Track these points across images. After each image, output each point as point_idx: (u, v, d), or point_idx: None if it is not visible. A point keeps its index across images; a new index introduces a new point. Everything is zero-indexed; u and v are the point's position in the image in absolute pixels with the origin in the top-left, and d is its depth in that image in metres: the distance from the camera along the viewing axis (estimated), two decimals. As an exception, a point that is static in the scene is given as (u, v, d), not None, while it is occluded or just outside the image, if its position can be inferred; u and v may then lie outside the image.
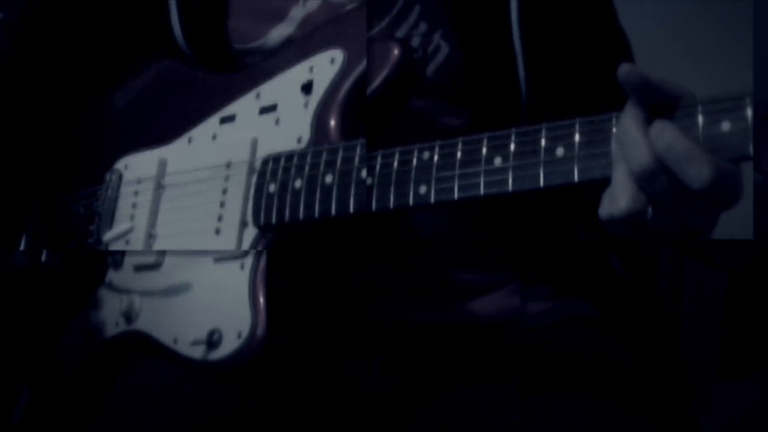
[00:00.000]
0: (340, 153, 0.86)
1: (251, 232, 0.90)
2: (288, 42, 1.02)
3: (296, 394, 1.01)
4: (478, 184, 0.84)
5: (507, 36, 1.05)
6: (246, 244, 0.91)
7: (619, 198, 0.73)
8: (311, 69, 0.92)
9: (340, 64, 0.90)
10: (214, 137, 0.96)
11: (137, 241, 0.97)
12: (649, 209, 0.74)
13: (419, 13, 1.06)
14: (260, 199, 0.89)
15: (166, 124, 1.01)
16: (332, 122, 0.89)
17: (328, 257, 1.03)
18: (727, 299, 1.20)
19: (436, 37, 1.06)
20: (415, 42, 1.06)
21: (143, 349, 1.03)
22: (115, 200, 1.01)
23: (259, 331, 0.91)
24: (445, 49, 1.06)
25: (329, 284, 1.03)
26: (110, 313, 1.06)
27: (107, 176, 1.03)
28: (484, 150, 0.84)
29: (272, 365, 0.96)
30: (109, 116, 1.09)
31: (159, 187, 0.98)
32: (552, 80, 1.05)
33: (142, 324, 1.02)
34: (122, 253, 1.07)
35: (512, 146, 0.82)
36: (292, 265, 0.98)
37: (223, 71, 1.02)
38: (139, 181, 1.00)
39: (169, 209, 0.97)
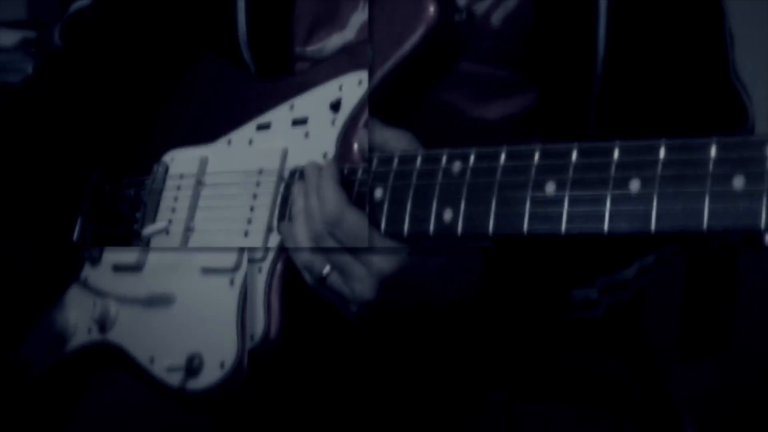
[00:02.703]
0: (359, 175, 0.85)
1: (276, 239, 0.91)
2: (343, 49, 0.99)
3: (299, 389, 0.97)
4: (521, 216, 0.65)
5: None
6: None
7: None
8: (341, 87, 0.92)
9: (367, 86, 0.89)
10: (250, 142, 0.99)
11: (176, 233, 1.00)
12: None
13: None
14: (285, 210, 0.91)
15: (209, 123, 1.03)
16: (356, 144, 0.88)
17: None
18: (686, 291, 1.26)
19: None
20: None
21: (116, 364, 0.94)
22: (160, 192, 1.04)
23: (246, 362, 0.82)
24: None
25: None
26: (82, 317, 0.96)
27: (155, 167, 1.06)
28: (534, 168, 0.66)
29: (281, 367, 0.88)
30: (161, 108, 1.11)
31: (199, 183, 1.01)
32: (634, 68, 0.94)
33: (117, 335, 0.94)
34: (101, 248, 1.00)
35: (571, 169, 0.64)
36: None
37: (270, 77, 1.02)
38: (181, 176, 1.03)
39: (206, 206, 1.00)
